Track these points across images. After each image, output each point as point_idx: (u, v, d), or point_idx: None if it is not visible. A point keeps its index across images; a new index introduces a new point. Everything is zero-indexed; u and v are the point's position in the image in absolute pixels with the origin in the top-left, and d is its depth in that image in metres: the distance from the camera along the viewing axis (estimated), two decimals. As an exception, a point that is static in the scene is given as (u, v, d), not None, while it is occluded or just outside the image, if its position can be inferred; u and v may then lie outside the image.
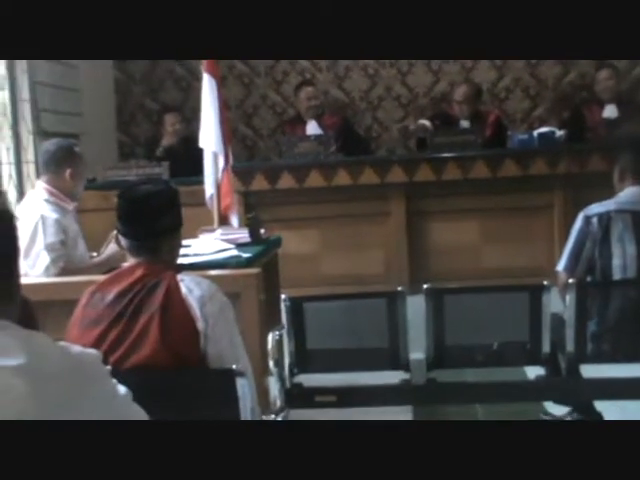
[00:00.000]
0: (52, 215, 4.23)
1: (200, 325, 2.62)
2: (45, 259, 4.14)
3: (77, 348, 1.63)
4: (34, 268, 4.14)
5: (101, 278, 2.89)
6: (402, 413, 4.22)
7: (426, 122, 7.05)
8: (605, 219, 3.81)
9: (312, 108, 7.41)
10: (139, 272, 2.69)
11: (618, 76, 7.31)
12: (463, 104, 7.23)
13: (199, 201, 5.65)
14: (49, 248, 4.16)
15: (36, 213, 4.23)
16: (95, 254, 4.48)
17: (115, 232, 2.86)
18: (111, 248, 4.19)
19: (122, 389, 1.71)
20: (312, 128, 7.39)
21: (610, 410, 3.86)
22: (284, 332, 3.64)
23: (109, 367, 1.81)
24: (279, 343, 3.60)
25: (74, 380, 1.55)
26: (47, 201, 4.29)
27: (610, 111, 7.08)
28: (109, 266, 3.98)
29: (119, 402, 1.67)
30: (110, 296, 2.66)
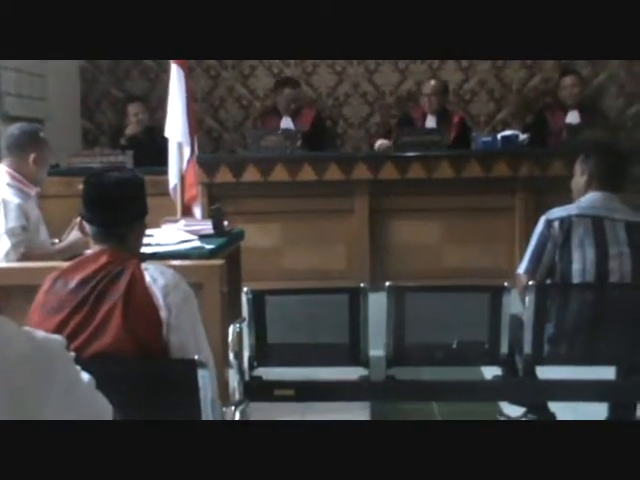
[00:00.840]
0: (14, 199, 4.20)
1: (163, 314, 2.61)
2: (6, 244, 4.11)
3: (41, 333, 1.62)
4: None
5: (64, 264, 2.88)
6: (360, 409, 4.25)
7: (385, 142, 6.94)
8: (566, 223, 3.84)
9: (290, 109, 7.43)
10: (103, 259, 2.68)
11: (582, 82, 7.39)
12: (432, 96, 7.27)
13: (162, 191, 5.64)
14: (10, 233, 4.12)
15: None
16: (57, 240, 4.45)
17: (79, 218, 2.85)
18: (74, 235, 4.17)
19: (86, 376, 1.71)
20: (286, 123, 7.40)
21: (563, 411, 3.92)
22: (245, 325, 3.65)
23: (73, 354, 1.80)
24: (239, 336, 3.61)
25: (38, 365, 1.53)
26: (9, 185, 4.25)
27: (573, 117, 7.15)
28: (71, 253, 3.96)
29: (82, 389, 1.67)
30: (73, 283, 2.65)
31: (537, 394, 3.77)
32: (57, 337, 1.65)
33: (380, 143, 6.78)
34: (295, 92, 7.51)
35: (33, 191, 4.35)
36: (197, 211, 5.68)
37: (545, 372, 3.75)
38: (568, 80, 7.31)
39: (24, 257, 4.10)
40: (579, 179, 4.02)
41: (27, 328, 1.61)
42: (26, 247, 4.15)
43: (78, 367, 1.68)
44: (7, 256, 4.09)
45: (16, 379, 1.49)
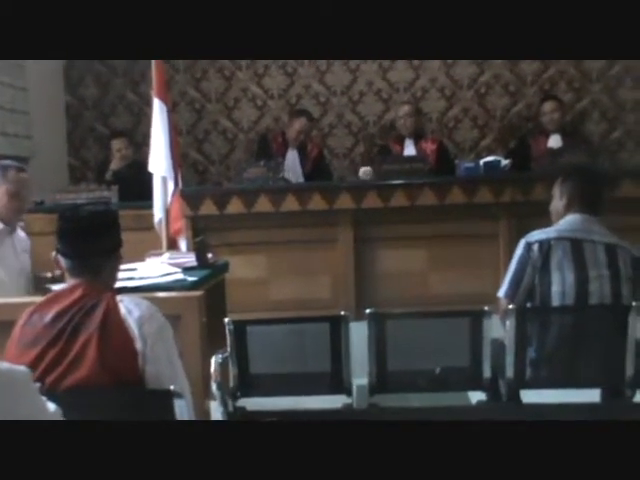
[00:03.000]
0: None
1: (138, 345, 2.62)
2: None
3: (5, 365, 1.63)
4: None
5: (40, 299, 2.89)
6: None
7: (367, 169, 6.99)
8: (545, 246, 3.85)
9: (298, 140, 7.45)
10: (78, 292, 2.70)
11: (562, 108, 7.47)
12: (407, 118, 7.45)
13: (147, 225, 5.66)
14: None
15: None
16: (49, 274, 4.45)
17: (54, 253, 2.86)
18: None
19: (52, 406, 1.72)
20: (292, 155, 7.44)
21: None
22: (228, 355, 3.64)
23: (38, 384, 1.80)
24: (222, 366, 3.60)
25: (2, 396, 1.54)
26: None
27: (555, 141, 7.24)
28: None
29: (47, 419, 1.67)
30: (49, 316, 2.66)
31: (521, 418, 3.76)
32: (21, 368, 1.66)
33: (363, 170, 6.81)
34: (310, 124, 7.55)
35: None
36: (183, 244, 5.69)
37: (530, 396, 3.75)
38: (548, 106, 7.42)
39: None
40: (558, 202, 4.03)
41: (-9, 360, 1.63)
42: None
43: (43, 398, 1.68)
44: None
45: (-21, 410, 1.50)
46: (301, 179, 7.22)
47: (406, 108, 7.55)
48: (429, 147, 7.31)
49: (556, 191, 4.05)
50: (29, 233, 4.95)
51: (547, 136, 7.31)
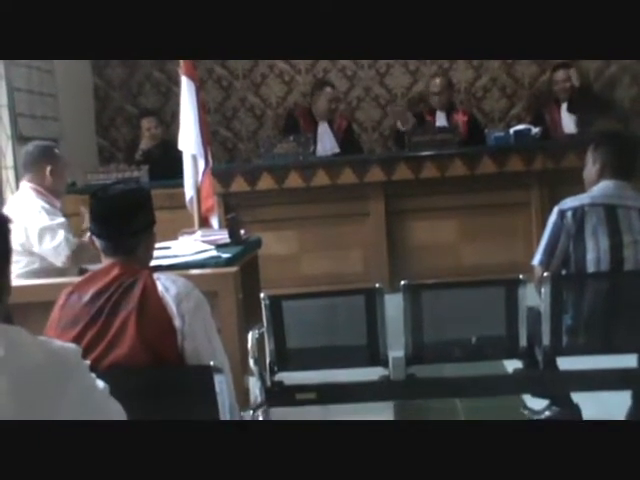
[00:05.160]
0: (47, 205, 4.45)
1: (177, 322, 2.64)
2: (60, 236, 4.34)
3: (57, 343, 1.66)
4: (53, 249, 4.34)
5: (77, 279, 2.91)
6: (383, 410, 4.25)
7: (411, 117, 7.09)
8: (579, 213, 3.84)
9: (329, 110, 7.44)
10: (115, 272, 2.71)
11: (574, 76, 7.41)
12: (441, 94, 7.47)
13: (179, 204, 5.68)
14: (60, 227, 4.38)
15: (33, 209, 4.39)
16: None
17: (88, 234, 2.87)
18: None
19: (100, 383, 1.74)
20: (323, 129, 7.42)
21: (586, 401, 3.90)
22: (264, 330, 3.66)
23: (88, 362, 1.83)
24: (259, 341, 3.62)
25: (54, 373, 1.57)
26: (39, 197, 4.46)
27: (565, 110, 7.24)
28: None
29: (98, 396, 1.70)
30: (87, 296, 2.68)
31: (558, 385, 3.76)
32: (72, 346, 1.68)
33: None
34: (333, 92, 7.53)
35: (58, 203, 4.51)
36: (214, 222, 5.71)
37: (567, 363, 3.75)
38: (559, 74, 7.44)
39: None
40: (591, 168, 4.01)
41: (43, 338, 1.65)
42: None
43: (93, 375, 1.71)
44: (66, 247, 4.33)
45: (33, 387, 1.52)
46: (337, 149, 7.20)
47: (438, 81, 7.55)
48: (460, 118, 7.30)
49: (589, 158, 4.03)
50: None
51: (559, 105, 7.32)
